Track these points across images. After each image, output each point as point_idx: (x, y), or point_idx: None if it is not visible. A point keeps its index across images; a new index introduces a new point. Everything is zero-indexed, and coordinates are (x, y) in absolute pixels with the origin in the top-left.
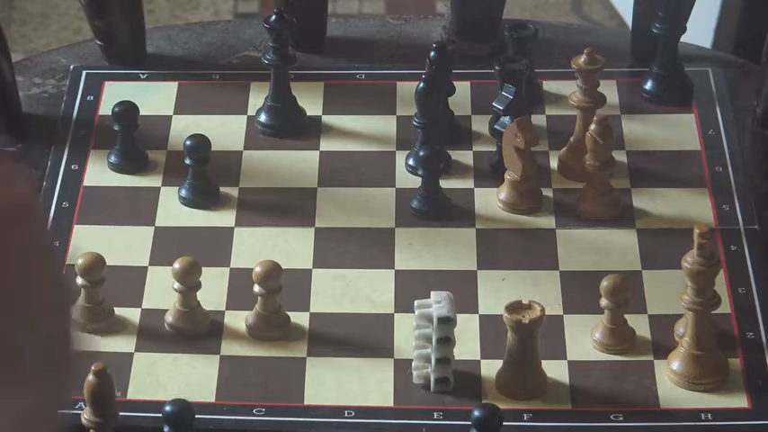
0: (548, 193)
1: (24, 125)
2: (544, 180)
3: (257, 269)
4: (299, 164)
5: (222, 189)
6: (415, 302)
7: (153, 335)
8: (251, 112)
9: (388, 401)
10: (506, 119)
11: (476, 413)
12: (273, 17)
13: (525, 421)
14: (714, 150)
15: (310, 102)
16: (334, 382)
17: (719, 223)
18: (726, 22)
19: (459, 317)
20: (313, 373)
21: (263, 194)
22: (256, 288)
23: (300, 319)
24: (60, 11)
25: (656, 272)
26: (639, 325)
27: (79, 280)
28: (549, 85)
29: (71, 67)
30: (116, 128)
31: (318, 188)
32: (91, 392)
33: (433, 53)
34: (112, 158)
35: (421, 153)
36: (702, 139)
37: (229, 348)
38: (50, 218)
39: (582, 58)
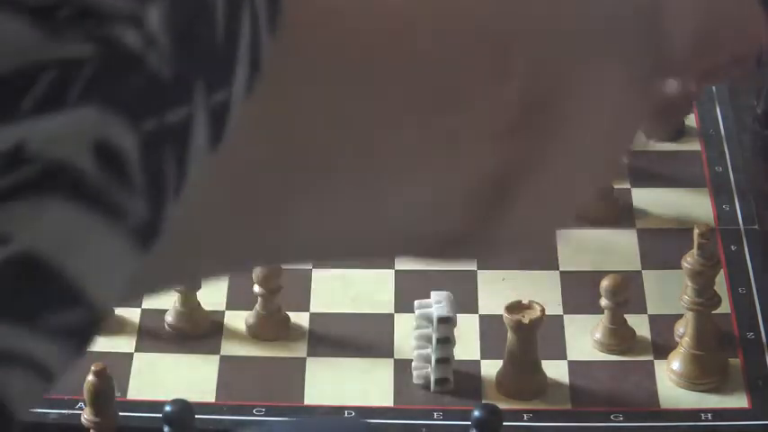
0: None
1: None
2: None
3: (257, 269)
4: None
5: None
6: (415, 302)
7: (153, 335)
8: None
9: (388, 401)
10: None
11: (476, 413)
12: None
13: (525, 421)
14: (714, 150)
15: None
16: (334, 382)
17: (719, 223)
18: None
19: (459, 317)
20: (313, 373)
21: None
22: (256, 288)
23: (300, 319)
24: None
25: (656, 272)
26: (639, 325)
27: None
28: None
29: None
30: None
31: None
32: (91, 392)
33: None
34: None
35: None
36: (702, 139)
37: (229, 348)
38: None
39: None
